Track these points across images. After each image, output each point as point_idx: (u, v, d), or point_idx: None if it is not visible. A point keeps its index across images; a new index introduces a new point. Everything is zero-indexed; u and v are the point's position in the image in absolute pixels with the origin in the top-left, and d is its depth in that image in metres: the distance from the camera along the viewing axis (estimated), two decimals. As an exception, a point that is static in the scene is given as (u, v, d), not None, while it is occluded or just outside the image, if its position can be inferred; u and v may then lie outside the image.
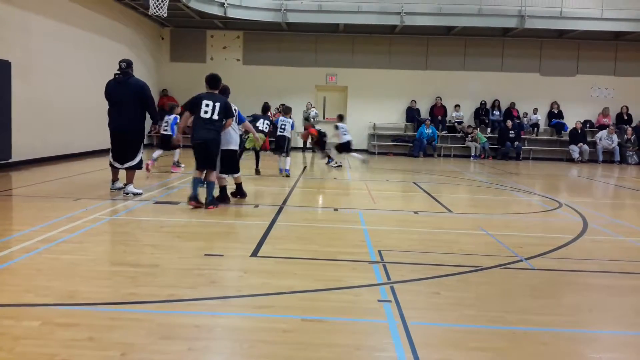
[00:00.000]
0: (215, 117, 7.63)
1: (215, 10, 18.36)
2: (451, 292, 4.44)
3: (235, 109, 8.41)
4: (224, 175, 8.27)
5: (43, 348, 3.13)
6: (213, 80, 7.89)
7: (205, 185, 7.88)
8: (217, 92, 7.92)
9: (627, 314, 4.18)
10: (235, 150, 8.42)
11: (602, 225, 7.59)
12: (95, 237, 6.05)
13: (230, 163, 8.32)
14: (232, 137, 8.26)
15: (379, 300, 4.13)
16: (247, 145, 11.68)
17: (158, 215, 7.37)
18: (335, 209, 8.40)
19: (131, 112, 8.43)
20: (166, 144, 11.75)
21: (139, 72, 12.12)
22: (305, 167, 14.89)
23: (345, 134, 13.89)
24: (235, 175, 8.54)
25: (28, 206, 7.70)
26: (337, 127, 14.15)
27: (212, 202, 7.78)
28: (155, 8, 12.42)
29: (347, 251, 5.65)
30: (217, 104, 7.67)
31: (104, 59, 15.18)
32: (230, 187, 8.52)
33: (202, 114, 7.62)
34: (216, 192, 8.08)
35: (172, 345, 3.24)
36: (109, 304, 3.90)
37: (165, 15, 12.84)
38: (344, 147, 13.95)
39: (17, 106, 11.72)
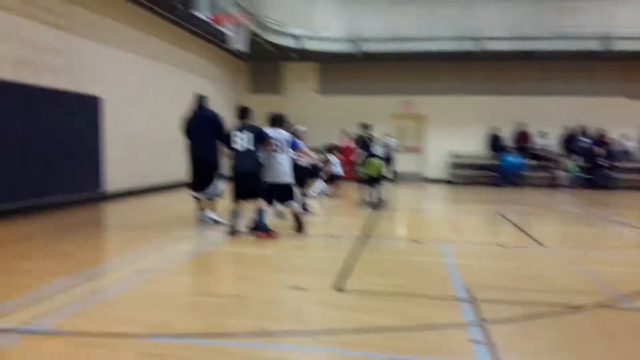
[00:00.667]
0: (250, 147, 7.81)
1: (291, 43, 18.82)
2: (545, 332, 4.19)
3: (284, 137, 8.26)
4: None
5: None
6: (241, 111, 8.23)
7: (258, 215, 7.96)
8: (248, 121, 8.13)
9: None
10: (288, 184, 8.18)
11: None
12: (184, 267, 6.23)
13: (284, 194, 8.20)
14: (283, 169, 8.11)
15: (468, 340, 3.96)
16: (365, 171, 11.05)
17: (245, 246, 7.47)
18: (418, 241, 8.22)
19: (206, 143, 8.80)
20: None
21: (220, 105, 12.59)
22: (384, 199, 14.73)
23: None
24: (291, 205, 8.31)
25: (120, 237, 8.06)
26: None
27: (261, 228, 7.81)
28: (234, 42, 12.94)
29: (433, 287, 5.49)
30: (251, 134, 7.85)
31: (187, 92, 15.85)
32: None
33: (236, 146, 7.85)
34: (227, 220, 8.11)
35: (261, 381, 3.23)
36: (197, 334, 3.97)
37: (245, 49, 13.32)
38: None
39: (108, 139, 12.41)
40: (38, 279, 5.36)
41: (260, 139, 7.93)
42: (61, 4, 10.97)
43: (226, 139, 8.76)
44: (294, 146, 8.59)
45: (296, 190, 8.54)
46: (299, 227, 8.30)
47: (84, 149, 11.57)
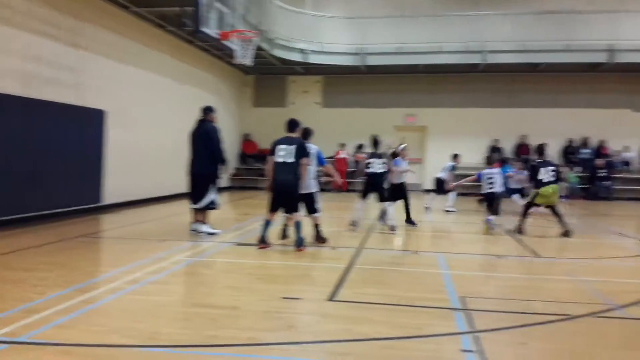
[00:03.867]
0: (292, 159, 7.77)
1: (296, 57, 18.93)
2: (539, 342, 4.18)
3: (315, 151, 8.50)
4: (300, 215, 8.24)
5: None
6: (289, 124, 8.15)
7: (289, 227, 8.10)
8: (294, 135, 8.09)
9: None
10: (312, 193, 8.35)
11: None
12: (178, 278, 6.25)
13: (310, 205, 8.36)
14: (311, 182, 8.33)
15: (461, 350, 3.95)
16: (538, 201, 9.85)
17: (238, 257, 7.50)
18: (415, 252, 8.23)
19: (201, 155, 9.01)
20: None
21: (223, 118, 12.67)
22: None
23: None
24: (315, 216, 8.45)
25: (116, 248, 8.09)
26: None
27: (300, 243, 7.85)
28: (241, 57, 12.99)
29: (427, 297, 5.49)
30: (293, 147, 7.82)
31: (191, 105, 15.95)
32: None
33: (278, 159, 7.82)
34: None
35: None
36: (190, 346, 3.97)
37: (251, 63, 13.42)
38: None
39: (110, 152, 12.49)
40: (31, 289, 5.38)
41: (303, 152, 7.93)
42: (68, 19, 11.10)
43: (219, 153, 8.87)
44: (319, 162, 8.69)
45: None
46: (318, 237, 8.39)
47: (85, 161, 11.65)
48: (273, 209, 7.96)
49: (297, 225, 7.89)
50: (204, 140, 9.00)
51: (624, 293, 5.69)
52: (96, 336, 4.13)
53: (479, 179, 10.44)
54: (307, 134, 8.58)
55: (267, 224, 7.98)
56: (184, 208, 10.59)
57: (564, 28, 18.25)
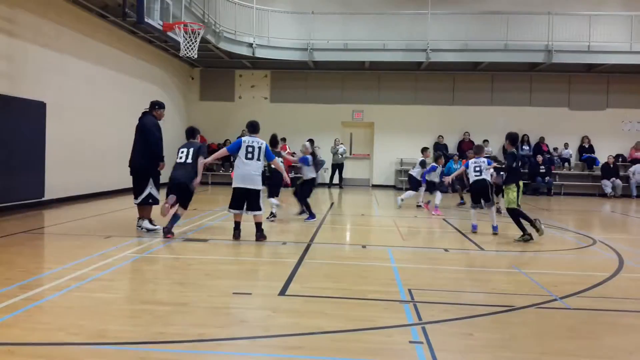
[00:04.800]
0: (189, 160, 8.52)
1: (244, 50, 18.77)
2: (485, 333, 4.32)
3: (263, 145, 8.42)
4: (238, 211, 8.33)
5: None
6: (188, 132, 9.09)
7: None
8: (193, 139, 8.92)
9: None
10: (257, 191, 8.31)
11: (639, 263, 7.36)
12: (125, 275, 6.10)
13: (253, 202, 8.31)
14: (256, 177, 8.28)
15: (410, 342, 4.04)
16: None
17: (187, 252, 7.40)
18: (364, 246, 8.32)
19: (138, 149, 8.91)
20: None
21: (169, 111, 12.41)
22: (332, 203, 14.86)
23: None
24: (256, 214, 8.34)
25: (60, 244, 7.82)
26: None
27: (169, 231, 8.38)
28: (186, 49, 12.73)
29: (377, 290, 5.57)
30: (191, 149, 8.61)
31: (135, 99, 15.56)
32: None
33: (178, 159, 8.60)
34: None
35: (201, 387, 3.20)
36: (138, 343, 3.89)
37: (196, 56, 13.19)
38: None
39: (51, 145, 12.02)
40: (-30, 289, 5.14)
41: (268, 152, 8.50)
42: (1, 7, 10.59)
43: (155, 147, 8.86)
44: (268, 158, 8.70)
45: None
46: (259, 235, 8.33)
47: (26, 154, 11.17)
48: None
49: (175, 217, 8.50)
50: (142, 134, 8.86)
51: (564, 284, 5.94)
52: (41, 334, 3.99)
53: (466, 169, 10.51)
54: (253, 127, 8.55)
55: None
56: (129, 203, 10.34)
57: (504, 28, 18.86)
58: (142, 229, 8.82)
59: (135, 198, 8.91)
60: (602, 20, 19.05)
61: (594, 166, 20.38)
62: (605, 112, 20.68)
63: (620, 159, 20.35)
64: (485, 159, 10.30)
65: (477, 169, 9.99)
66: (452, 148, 20.96)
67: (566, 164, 20.63)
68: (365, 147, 22.15)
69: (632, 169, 19.63)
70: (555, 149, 20.80)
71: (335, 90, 21.47)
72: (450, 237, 9.51)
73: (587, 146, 20.66)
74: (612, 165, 19.73)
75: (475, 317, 4.71)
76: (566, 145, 20.74)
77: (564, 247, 8.76)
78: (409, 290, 5.48)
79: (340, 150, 20.49)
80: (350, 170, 21.72)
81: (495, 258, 7.66)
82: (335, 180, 20.87)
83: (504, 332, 4.38)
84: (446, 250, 8.12)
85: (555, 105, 20.76)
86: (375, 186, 21.49)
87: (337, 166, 20.76)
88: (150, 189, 8.86)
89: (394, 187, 21.01)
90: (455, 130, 21.04)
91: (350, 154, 21.81)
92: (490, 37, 18.87)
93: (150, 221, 8.91)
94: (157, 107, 9.14)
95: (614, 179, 19.60)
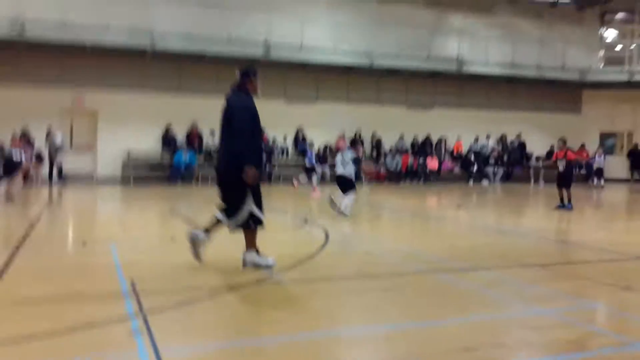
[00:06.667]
0: None
1: None
2: (205, 315, 4.52)
3: None
4: None
5: None
6: None
7: None
8: None
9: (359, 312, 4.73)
10: None
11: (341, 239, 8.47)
12: None
13: None
14: None
15: (130, 333, 3.98)
16: None
17: None
18: (84, 242, 7.83)
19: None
20: None
21: None
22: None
23: None
24: None
25: None
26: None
27: None
28: None
29: (96, 286, 5.32)
30: None
31: None
32: None
33: None
34: None
35: None
36: None
37: None
38: None
39: None
40: None
41: None
42: None
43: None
44: None
45: None
46: None
47: None
48: None
49: None
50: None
51: (280, 260, 6.38)
52: None
53: None
54: None
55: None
56: None
57: (227, 21, 19.54)
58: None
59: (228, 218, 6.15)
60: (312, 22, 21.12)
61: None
62: (316, 105, 22.87)
63: (329, 150, 22.66)
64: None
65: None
66: (181, 139, 20.78)
67: (285, 154, 22.41)
68: (88, 137, 20.61)
69: (338, 157, 22.07)
70: (274, 141, 22.31)
71: (52, 72, 19.30)
72: (179, 226, 9.47)
73: (302, 137, 22.61)
74: (321, 154, 21.94)
75: (194, 300, 4.86)
76: (285, 138, 22.45)
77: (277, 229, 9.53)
78: (131, 283, 5.34)
79: (58, 140, 18.56)
80: (71, 162, 19.62)
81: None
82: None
83: (224, 310, 4.64)
84: (173, 238, 8.02)
85: (273, 97, 21.67)
86: (100, 180, 19.95)
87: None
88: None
89: (123, 180, 19.94)
90: (185, 121, 20.83)
91: (71, 147, 20.08)
92: (214, 28, 19.39)
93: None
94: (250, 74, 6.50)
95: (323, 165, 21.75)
